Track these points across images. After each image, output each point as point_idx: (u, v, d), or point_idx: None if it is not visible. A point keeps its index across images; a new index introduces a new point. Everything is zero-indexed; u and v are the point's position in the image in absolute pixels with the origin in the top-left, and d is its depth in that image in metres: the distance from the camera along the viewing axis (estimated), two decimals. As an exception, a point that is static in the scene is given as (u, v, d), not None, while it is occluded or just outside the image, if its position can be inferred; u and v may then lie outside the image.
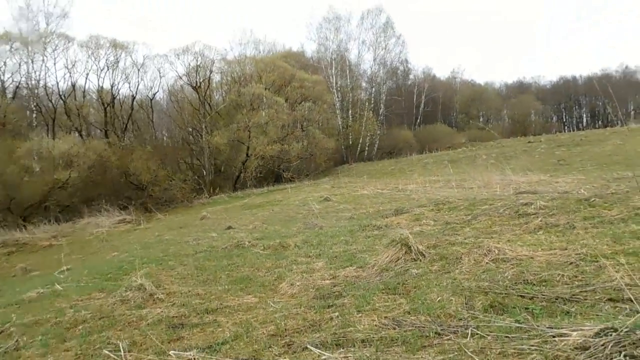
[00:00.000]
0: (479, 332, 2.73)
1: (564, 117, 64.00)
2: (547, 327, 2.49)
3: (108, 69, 34.61)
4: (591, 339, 2.09)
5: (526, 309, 3.08)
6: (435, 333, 2.90)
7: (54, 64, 32.67)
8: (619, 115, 45.68)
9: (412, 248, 5.08)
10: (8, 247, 18.60)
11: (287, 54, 42.19)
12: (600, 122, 57.64)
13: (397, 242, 5.21)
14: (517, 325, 2.70)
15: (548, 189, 9.89)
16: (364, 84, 48.30)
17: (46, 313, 5.23)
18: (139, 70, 35.91)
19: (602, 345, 1.99)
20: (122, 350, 3.60)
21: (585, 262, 3.87)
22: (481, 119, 59.18)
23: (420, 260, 4.91)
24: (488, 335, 2.66)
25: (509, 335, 2.57)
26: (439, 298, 3.59)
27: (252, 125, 32.16)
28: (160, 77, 37.24)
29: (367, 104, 44.11)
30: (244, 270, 6.27)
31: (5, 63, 30.79)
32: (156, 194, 28.05)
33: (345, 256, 6.02)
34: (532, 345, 2.31)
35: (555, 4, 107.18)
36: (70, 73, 33.45)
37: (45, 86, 32.47)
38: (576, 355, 2.08)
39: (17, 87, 31.76)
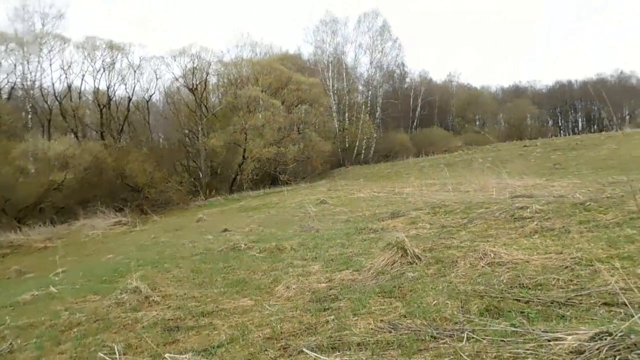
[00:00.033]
0: (474, 335, 2.73)
1: (559, 121, 64.26)
2: (543, 331, 2.50)
3: (104, 71, 34.53)
4: (586, 343, 2.10)
5: (522, 312, 3.09)
6: (431, 337, 2.91)
7: (50, 65, 32.59)
8: (613, 120, 45.99)
9: (408, 251, 5.08)
10: (2, 249, 18.49)
11: (283, 57, 42.19)
12: (595, 127, 57.94)
13: (393, 245, 5.22)
14: (513, 329, 2.70)
15: (544, 193, 9.93)
16: (360, 87, 48.40)
17: (41, 315, 5.21)
18: (135, 71, 35.86)
19: (597, 349, 1.99)
20: (117, 353, 3.59)
21: (580, 266, 3.89)
22: (477, 123, 59.36)
23: (416, 264, 4.92)
24: (484, 339, 2.67)
25: (505, 339, 2.57)
26: (435, 301, 3.59)
27: (248, 127, 32.12)
28: (157, 78, 37.38)
29: (363, 107, 44.16)
30: (240, 273, 6.26)
31: (0, 64, 30.72)
32: (152, 196, 27.94)
33: (342, 259, 6.03)
34: (528, 349, 2.32)
35: (555, 4, 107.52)
36: (66, 74, 33.38)
37: (40, 87, 32.35)
38: (571, 359, 2.09)
39: (13, 88, 31.62)
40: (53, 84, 33.09)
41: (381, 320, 3.41)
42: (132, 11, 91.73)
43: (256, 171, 32.22)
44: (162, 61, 35.74)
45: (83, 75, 34.34)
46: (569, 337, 2.22)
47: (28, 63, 31.12)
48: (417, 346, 2.83)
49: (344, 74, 43.93)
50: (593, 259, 3.88)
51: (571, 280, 3.60)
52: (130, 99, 36.49)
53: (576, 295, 3.23)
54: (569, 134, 55.32)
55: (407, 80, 53.83)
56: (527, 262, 4.30)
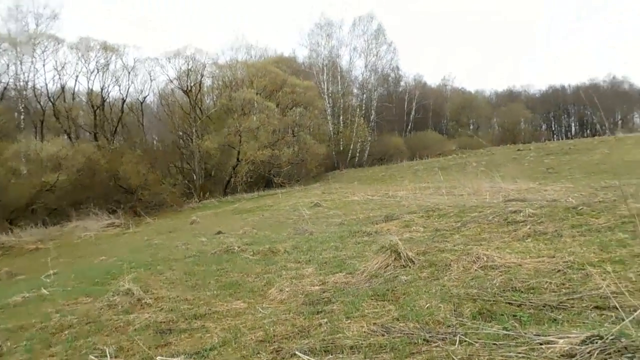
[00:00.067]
0: (467, 339, 2.73)
1: (553, 125, 64.68)
2: (535, 335, 2.50)
3: (98, 72, 34.37)
4: (577, 347, 2.10)
5: (514, 316, 3.10)
6: (424, 340, 2.91)
7: (43, 65, 32.38)
8: (605, 125, 46.31)
9: (401, 255, 5.09)
10: (-6, 251, 18.35)
11: (278, 59, 42.24)
12: (588, 131, 58.32)
13: (387, 248, 5.22)
14: (505, 332, 2.71)
15: (537, 197, 9.97)
16: (355, 91, 48.50)
17: (31, 318, 5.16)
18: (129, 73, 35.72)
19: (588, 352, 2.00)
20: (108, 355, 3.57)
21: (572, 270, 3.91)
22: (471, 127, 59.61)
23: (410, 267, 4.92)
24: (476, 342, 2.67)
25: (497, 343, 2.58)
26: (428, 305, 3.60)
27: (243, 130, 32.09)
28: (151, 80, 37.03)
29: (358, 110, 44.25)
30: (233, 275, 6.24)
31: (-7, 64, 30.50)
32: (146, 198, 27.81)
33: (335, 262, 6.02)
34: (520, 353, 2.33)
35: (554, 4, 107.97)
36: (59, 75, 33.20)
37: (33, 88, 32.14)
38: (563, 362, 2.10)
39: (5, 88, 31.39)
40: (46, 85, 32.97)
41: (374, 324, 3.41)
42: (126, 13, 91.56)
43: (250, 173, 32.17)
44: (157, 63, 35.71)
45: (77, 76, 34.19)
46: (561, 341, 2.23)
47: (21, 63, 30.97)
48: (409, 349, 2.83)
49: (339, 77, 44.04)
50: (585, 263, 3.90)
51: (563, 284, 3.62)
52: (124, 101, 36.36)
53: (568, 299, 3.24)
54: (562, 139, 55.66)
55: (402, 83, 54.06)
56: (520, 265, 4.32)
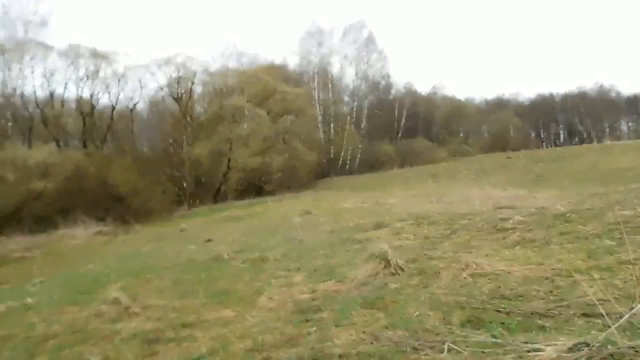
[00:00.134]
0: (455, 347, 2.73)
1: (541, 133, 65.22)
2: (523, 342, 2.51)
3: (88, 79, 34.14)
4: (565, 354, 2.11)
5: (502, 323, 3.10)
6: (413, 348, 2.90)
7: (32, 72, 32.06)
8: (592, 133, 46.90)
9: (391, 262, 5.09)
10: (-21, 259, 18.05)
11: (269, 67, 42.25)
12: (577, 139, 58.91)
13: (377, 256, 5.22)
14: (494, 340, 2.71)
15: (526, 204, 10.04)
16: (346, 98, 48.62)
17: (15, 327, 5.08)
18: (119, 80, 35.53)
19: (575, 360, 2.01)
20: (94, 366, 3.51)
21: (560, 277, 3.93)
22: (461, 134, 59.96)
23: (399, 275, 4.92)
24: (464, 350, 2.66)
25: (485, 350, 2.58)
26: (417, 313, 3.59)
27: (233, 137, 32.07)
28: (141, 87, 36.85)
29: (348, 117, 44.37)
30: (223, 283, 6.20)
31: (-20, 71, 30.23)
32: (135, 206, 27.57)
33: (325, 270, 6.01)
34: (508, 361, 2.33)
35: (543, 13, 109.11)
36: (48, 82, 32.92)
37: (22, 95, 31.87)
38: (550, 370, 2.10)
39: (-7, 95, 31.13)
40: (35, 92, 32.57)
41: (363, 332, 3.39)
42: (116, 20, 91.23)
43: (241, 181, 32.11)
44: (147, 70, 35.57)
45: (66, 83, 33.89)
46: (548, 348, 2.23)
47: (9, 70, 30.70)
48: (398, 358, 2.82)
49: (330, 85, 44.17)
50: (573, 270, 3.91)
51: (551, 291, 3.63)
52: (114, 108, 36.13)
53: (556, 306, 3.25)
54: (551, 146, 56.18)
55: (392, 91, 54.24)
56: (509, 273, 4.33)
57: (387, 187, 25.73)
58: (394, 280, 4.75)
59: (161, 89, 36.02)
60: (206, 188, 33.93)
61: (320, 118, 42.63)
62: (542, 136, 64.76)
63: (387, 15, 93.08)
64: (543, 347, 2.30)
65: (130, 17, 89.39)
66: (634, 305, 2.35)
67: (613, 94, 62.07)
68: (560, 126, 65.29)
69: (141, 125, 41.28)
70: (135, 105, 37.80)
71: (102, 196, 27.80)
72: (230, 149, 32.02)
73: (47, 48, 32.21)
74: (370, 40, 45.99)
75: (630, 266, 3.68)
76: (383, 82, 52.21)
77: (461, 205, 11.86)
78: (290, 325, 3.92)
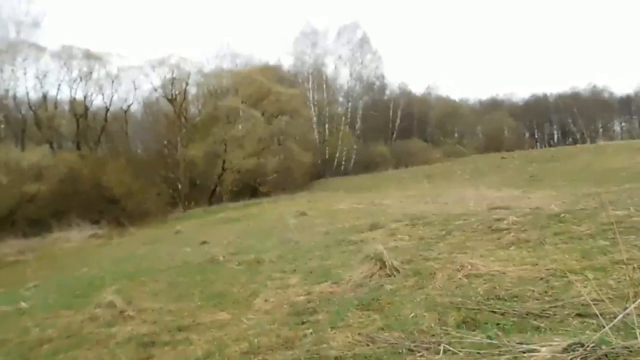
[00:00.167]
0: (451, 348, 2.74)
1: (536, 133, 65.49)
2: (518, 343, 2.52)
3: (81, 80, 34.06)
4: (559, 355, 2.12)
5: (497, 324, 3.11)
6: (408, 349, 2.90)
7: (24, 73, 31.99)
8: (584, 133, 47.19)
9: (386, 263, 5.09)
10: (-28, 263, 17.92)
11: (264, 68, 42.20)
12: (570, 139, 59.20)
13: (372, 257, 5.22)
14: (489, 341, 2.72)
15: (520, 205, 10.08)
16: (340, 99, 48.68)
17: (9, 332, 5.05)
18: (113, 81, 35.45)
19: (570, 360, 2.02)
20: (89, 370, 3.50)
21: (555, 278, 3.94)
22: (456, 135, 60.13)
23: (395, 276, 4.92)
24: (460, 351, 2.67)
25: (481, 351, 2.58)
26: (413, 314, 3.60)
27: (228, 138, 32.01)
28: (135, 88, 36.76)
29: (343, 118, 44.40)
30: (218, 286, 6.19)
31: (-28, 72, 30.05)
32: (130, 208, 27.49)
33: (320, 271, 6.00)
34: (503, 362, 2.34)
35: (537, 13, 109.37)
36: (41, 83, 32.83)
37: (14, 96, 31.74)
38: (545, 371, 2.11)
39: (-15, 97, 30.96)
40: (27, 93, 32.51)
41: (359, 334, 3.39)
42: (110, 21, 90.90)
43: (236, 182, 32.05)
44: (141, 71, 35.51)
45: (59, 85, 33.80)
46: (543, 349, 2.24)
47: (1, 72, 30.57)
48: (394, 359, 2.82)
49: (324, 86, 44.20)
50: (567, 271, 3.93)
51: (546, 292, 3.64)
52: (107, 109, 36.04)
53: (551, 307, 3.26)
54: (545, 146, 56.42)
55: (387, 92, 54.33)
56: (504, 273, 4.34)
57: (382, 188, 25.76)
58: (390, 282, 4.75)
59: (155, 90, 36.02)
60: (201, 190, 33.85)
61: (315, 119, 42.64)
62: (536, 136, 65.06)
63: (381, 16, 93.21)
64: (538, 347, 2.31)
65: (124, 18, 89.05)
66: (627, 305, 2.36)
67: (606, 95, 62.52)
68: (554, 126, 65.59)
69: (135, 126, 41.15)
70: (129, 106, 37.78)
71: (97, 198, 27.72)
72: (225, 150, 31.98)
73: (39, 49, 32.13)
74: (364, 41, 46.12)
75: (624, 266, 3.71)
76: (377, 83, 52.29)
77: (456, 205, 11.89)
78: (286, 327, 3.91)
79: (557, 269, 4.10)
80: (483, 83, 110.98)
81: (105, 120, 35.71)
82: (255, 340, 3.67)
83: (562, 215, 6.86)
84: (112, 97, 36.08)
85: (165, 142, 35.29)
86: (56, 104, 34.70)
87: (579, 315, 3.02)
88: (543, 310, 3.21)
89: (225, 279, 6.55)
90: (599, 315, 2.50)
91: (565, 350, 2.12)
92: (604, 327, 2.18)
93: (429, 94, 59.19)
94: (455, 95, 78.36)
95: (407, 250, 6.33)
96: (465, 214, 8.93)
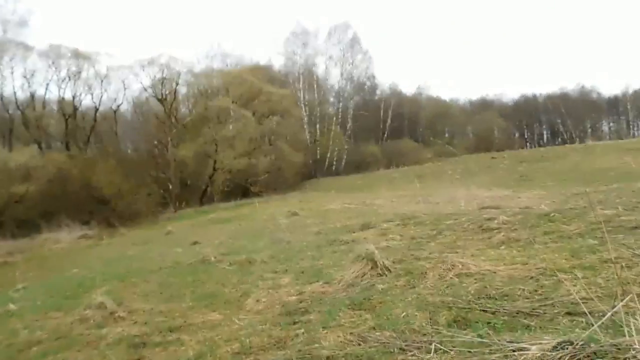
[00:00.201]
0: (442, 347, 2.75)
1: (525, 133, 66.00)
2: (508, 342, 2.53)
3: (69, 80, 33.79)
4: (549, 353, 2.14)
5: (488, 323, 3.13)
6: (400, 349, 2.91)
7: (12, 73, 31.63)
8: (572, 133, 47.63)
9: (378, 263, 5.10)
10: (-41, 264, 17.70)
11: (254, 68, 42.10)
12: (559, 139, 59.72)
13: (364, 257, 5.23)
14: (480, 340, 2.73)
15: (511, 204, 10.15)
16: (331, 99, 48.75)
17: (-2, 334, 5.00)
18: (102, 81, 35.19)
19: (559, 358, 2.04)
20: (79, 372, 3.47)
21: (544, 277, 3.98)
22: (446, 135, 60.42)
23: (386, 276, 4.93)
24: (451, 350, 2.69)
25: (471, 350, 2.60)
26: (404, 313, 3.61)
27: (219, 138, 31.90)
28: (125, 88, 36.50)
29: (334, 118, 44.43)
30: (210, 286, 6.17)
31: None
32: (120, 208, 27.30)
33: (312, 271, 6.01)
34: (494, 360, 2.35)
35: (526, 14, 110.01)
36: (29, 83, 32.48)
37: (1, 96, 31.37)
38: (535, 369, 2.13)
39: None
40: (15, 93, 32.16)
41: (351, 333, 3.40)
42: (99, 20, 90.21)
43: (227, 183, 31.95)
44: (131, 71, 35.28)
45: (47, 84, 33.48)
46: (533, 347, 2.26)
47: (-12, 71, 30.18)
48: (385, 359, 2.83)
49: (315, 86, 44.20)
50: (557, 270, 3.97)
51: (536, 291, 3.67)
52: (97, 109, 35.76)
53: (541, 305, 3.29)
54: (534, 146, 56.86)
55: (378, 92, 54.46)
56: (494, 272, 4.37)
57: (373, 188, 25.81)
58: (381, 281, 4.76)
59: (145, 90, 35.79)
60: (192, 190, 33.70)
61: (305, 119, 42.62)
62: (525, 137, 65.55)
63: (371, 17, 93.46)
64: (528, 346, 2.32)
65: (113, 17, 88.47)
66: (615, 304, 2.39)
67: (594, 95, 63.17)
68: (544, 127, 66.16)
69: (125, 126, 40.88)
70: (118, 106, 37.51)
71: (86, 199, 27.50)
72: (216, 151, 31.86)
73: (27, 48, 31.81)
74: (355, 41, 46.22)
75: (612, 265, 3.75)
76: (368, 83, 52.45)
77: (447, 205, 11.95)
78: (277, 327, 3.91)
79: (547, 268, 4.14)
80: (473, 83, 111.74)
81: (95, 120, 35.44)
82: (247, 340, 3.66)
83: (552, 214, 6.92)
84: (102, 96, 35.87)
85: (156, 142, 35.08)
86: (44, 103, 34.38)
87: (568, 313, 3.05)
88: (533, 309, 3.24)
89: (216, 279, 6.53)
90: (588, 314, 2.53)
91: (555, 348, 2.14)
92: (592, 325, 2.21)
93: (420, 94, 59.46)
94: (446, 96, 78.78)
95: (399, 250, 6.35)
96: (456, 214, 8.97)
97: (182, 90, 37.67)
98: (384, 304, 4.02)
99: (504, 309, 3.34)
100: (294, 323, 3.96)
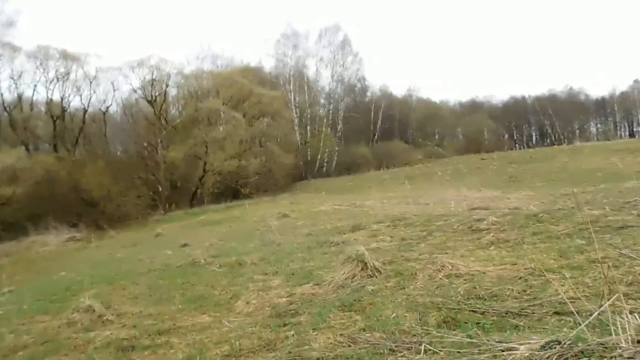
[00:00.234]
0: (431, 347, 2.75)
1: (514, 135, 66.56)
2: (497, 342, 2.54)
3: (58, 81, 33.47)
4: (537, 352, 2.14)
5: (477, 323, 3.14)
6: (390, 350, 2.91)
7: (-2, 73, 31.23)
8: (560, 134, 48.08)
9: (368, 264, 5.10)
10: (-56, 268, 17.44)
11: (245, 69, 42.02)
12: (548, 140, 60.29)
13: (354, 258, 5.23)
14: (469, 340, 2.74)
15: (500, 205, 10.22)
16: (322, 101, 48.82)
17: (-17, 339, 4.91)
18: (91, 82, 34.90)
19: (547, 358, 2.04)
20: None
21: (533, 277, 4.00)
22: (437, 136, 60.75)
23: (376, 277, 4.94)
24: (440, 350, 2.69)
25: (461, 351, 2.60)
26: (394, 314, 3.61)
27: (209, 140, 31.79)
28: (114, 90, 36.24)
29: (325, 120, 44.49)
30: (199, 288, 6.13)
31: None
32: (109, 211, 27.09)
33: (302, 273, 5.99)
34: (483, 360, 2.36)
35: (515, 17, 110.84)
36: (16, 84, 32.14)
37: (-12, 97, 30.97)
38: (523, 368, 2.14)
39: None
40: (2, 94, 31.78)
41: (341, 335, 3.39)
42: (88, 21, 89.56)
43: (217, 184, 31.84)
44: (120, 72, 35.04)
45: (35, 86, 33.13)
46: (522, 347, 2.27)
47: (-26, 72, 29.80)
48: (375, 360, 2.83)
49: (306, 88, 44.22)
50: (545, 270, 4.00)
51: (525, 291, 3.70)
52: (85, 111, 35.47)
53: (529, 305, 3.31)
54: (523, 148, 57.33)
55: (368, 94, 54.66)
56: (484, 273, 4.39)
57: (363, 190, 25.87)
58: (371, 283, 4.76)
59: (135, 91, 35.56)
60: (182, 192, 33.54)
61: (296, 121, 42.62)
62: (515, 138, 66.11)
63: (361, 19, 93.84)
64: (517, 346, 2.33)
65: (103, 18, 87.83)
66: (602, 303, 2.41)
67: (582, 97, 63.93)
68: (533, 128, 66.76)
69: (114, 128, 40.59)
70: (108, 108, 37.25)
71: (75, 201, 27.24)
72: (206, 152, 31.74)
73: (14, 49, 31.48)
74: (345, 43, 46.35)
75: (599, 265, 3.78)
76: (359, 85, 52.63)
77: (437, 206, 12.01)
78: (267, 329, 3.89)
79: (536, 268, 4.17)
80: (463, 85, 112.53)
81: (83, 121, 35.13)
82: (237, 342, 3.64)
83: (540, 215, 6.98)
84: (90, 98, 35.59)
85: (145, 144, 34.85)
86: (32, 105, 34.03)
87: (556, 313, 3.07)
88: (522, 309, 3.26)
89: (206, 281, 6.49)
90: (576, 313, 2.55)
91: (543, 347, 2.15)
92: (580, 324, 2.22)
93: (410, 96, 59.78)
94: (436, 97, 79.19)
95: (389, 251, 6.36)
96: (445, 215, 9.02)
97: (172, 91, 37.58)
98: (374, 305, 4.02)
99: (493, 309, 3.36)
100: (284, 325, 3.94)
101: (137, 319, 4.92)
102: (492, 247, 5.56)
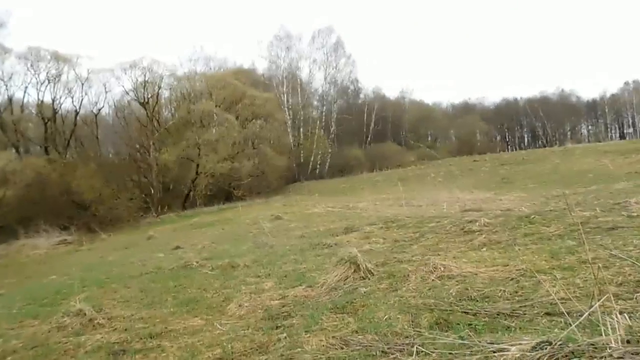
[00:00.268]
0: (424, 349, 2.76)
1: (507, 137, 66.96)
2: (489, 343, 2.55)
3: (49, 82, 33.22)
4: (528, 353, 2.15)
5: (469, 325, 3.15)
6: (382, 352, 2.91)
7: (-12, 75, 30.98)
8: (550, 137, 48.43)
9: (361, 266, 5.10)
10: None
11: (238, 71, 41.96)
12: (540, 142, 60.71)
13: (346, 260, 5.23)
14: (461, 341, 2.75)
15: (492, 207, 10.27)
16: (315, 103, 48.90)
17: (-29, 344, 4.85)
18: (82, 84, 34.67)
19: (538, 358, 2.05)
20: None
21: (525, 278, 4.02)
22: (429, 138, 60.98)
23: (369, 279, 4.94)
24: (433, 352, 2.69)
25: (453, 352, 2.61)
26: (386, 316, 3.61)
27: (202, 142, 31.69)
28: (106, 92, 36.03)
29: (318, 122, 44.52)
30: (191, 291, 6.10)
31: None
32: (100, 213, 26.92)
33: (295, 275, 5.98)
34: (474, 361, 2.36)
35: (507, 19, 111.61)
36: (6, 86, 31.88)
37: (-22, 99, 30.70)
38: (515, 369, 2.15)
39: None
40: (-8, 96, 31.50)
41: (333, 337, 3.39)
42: (79, 22, 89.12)
43: (210, 187, 31.74)
44: (112, 74, 34.85)
45: (26, 87, 32.88)
46: (513, 348, 2.28)
47: (-36, 73, 29.55)
48: (367, 362, 2.83)
49: (299, 89, 44.26)
50: (536, 271, 4.02)
51: (516, 292, 3.71)
52: (77, 112, 35.25)
53: (521, 306, 3.33)
54: (515, 149, 57.70)
55: (361, 96, 54.81)
56: (476, 274, 4.41)
57: (356, 191, 25.90)
58: (364, 284, 4.76)
59: (127, 93, 35.40)
60: (174, 194, 33.40)
61: (289, 122, 42.62)
62: (507, 140, 66.50)
63: (354, 21, 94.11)
64: (508, 346, 2.34)
65: (95, 19, 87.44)
66: (593, 304, 2.42)
67: (573, 99, 64.46)
68: (525, 130, 67.21)
69: (106, 130, 40.37)
70: (99, 110, 37.03)
71: (66, 204, 27.04)
72: (199, 155, 31.64)
73: (5, 50, 31.26)
74: (338, 45, 46.43)
75: (590, 265, 3.81)
76: (352, 87, 52.75)
77: (429, 208, 12.04)
78: (260, 332, 3.88)
79: (527, 269, 4.19)
80: (456, 87, 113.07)
81: (75, 124, 34.89)
82: (229, 345, 3.62)
83: (532, 216, 7.02)
84: (82, 100, 35.36)
85: (138, 147, 34.66)
86: (22, 107, 33.77)
87: (547, 314, 3.09)
88: (513, 310, 3.27)
89: (198, 284, 6.46)
90: (566, 314, 2.56)
91: (534, 348, 2.16)
92: (571, 325, 2.23)
93: (403, 98, 59.98)
94: (429, 99, 79.60)
95: (381, 253, 6.37)
96: (438, 217, 9.05)
97: (165, 93, 37.46)
98: (367, 307, 4.01)
99: (484, 311, 3.37)
100: (277, 327, 3.93)
101: (128, 323, 4.88)
102: (484, 249, 5.58)
